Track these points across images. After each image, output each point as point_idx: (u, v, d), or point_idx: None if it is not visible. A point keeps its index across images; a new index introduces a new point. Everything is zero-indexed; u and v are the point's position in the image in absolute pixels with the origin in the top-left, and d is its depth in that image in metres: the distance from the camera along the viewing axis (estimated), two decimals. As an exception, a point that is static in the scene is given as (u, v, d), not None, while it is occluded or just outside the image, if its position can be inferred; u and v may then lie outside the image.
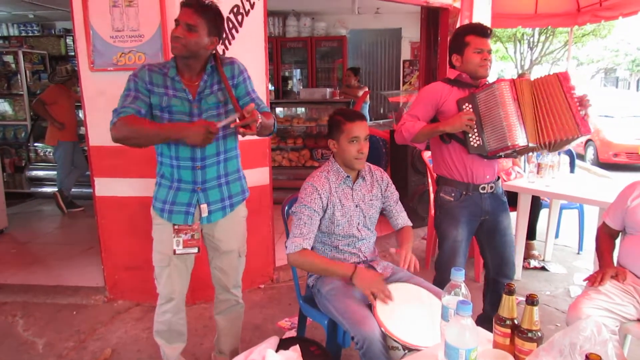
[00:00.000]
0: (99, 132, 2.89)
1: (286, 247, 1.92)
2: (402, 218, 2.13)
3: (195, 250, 1.97)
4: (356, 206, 2.02)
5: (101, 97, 2.83)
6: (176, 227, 1.94)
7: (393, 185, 2.14)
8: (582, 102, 2.05)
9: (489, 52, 2.17)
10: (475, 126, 2.11)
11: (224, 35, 2.86)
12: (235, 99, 1.87)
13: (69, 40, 7.30)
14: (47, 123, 5.34)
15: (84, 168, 5.16)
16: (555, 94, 2.07)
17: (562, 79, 2.07)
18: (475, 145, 2.15)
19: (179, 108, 1.86)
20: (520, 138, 2.06)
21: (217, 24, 1.84)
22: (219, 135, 1.90)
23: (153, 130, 1.78)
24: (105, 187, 2.95)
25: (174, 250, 1.95)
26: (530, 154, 3.05)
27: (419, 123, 2.19)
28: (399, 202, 2.15)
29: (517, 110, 2.06)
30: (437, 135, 2.22)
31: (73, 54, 7.06)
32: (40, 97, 5.07)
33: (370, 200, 2.06)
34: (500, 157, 2.21)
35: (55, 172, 5.42)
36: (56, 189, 5.30)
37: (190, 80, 1.88)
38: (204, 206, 1.95)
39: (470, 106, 2.12)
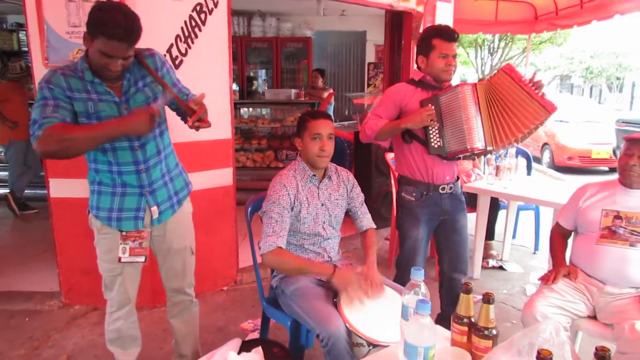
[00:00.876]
0: (54, 130, 2.79)
1: (260, 248, 1.89)
2: (366, 220, 2.16)
3: (142, 259, 1.90)
4: (322, 205, 2.03)
5: (56, 94, 2.72)
6: (124, 233, 1.86)
7: (359, 187, 2.17)
8: (536, 84, 2.09)
9: (454, 56, 2.21)
10: (436, 126, 2.15)
11: (187, 34, 2.82)
12: (168, 86, 1.78)
13: (22, 35, 6.97)
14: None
15: (38, 168, 4.96)
16: (510, 87, 2.10)
17: (509, 71, 2.12)
18: (436, 146, 2.20)
19: (108, 113, 1.72)
20: (479, 142, 2.11)
21: (139, 38, 1.69)
22: (155, 134, 1.85)
23: (90, 133, 1.62)
24: (61, 188, 2.84)
25: (119, 258, 1.87)
26: (490, 156, 3.14)
27: (381, 121, 2.23)
28: (364, 204, 2.18)
29: (477, 114, 2.12)
30: (399, 132, 2.26)
31: (26, 49, 6.77)
32: None
33: (336, 199, 2.08)
34: (459, 158, 2.27)
35: (6, 173, 5.18)
36: (7, 191, 5.06)
37: (111, 82, 1.73)
38: (154, 209, 1.89)
39: (432, 106, 2.16)
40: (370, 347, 1.58)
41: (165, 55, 2.70)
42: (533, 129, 2.10)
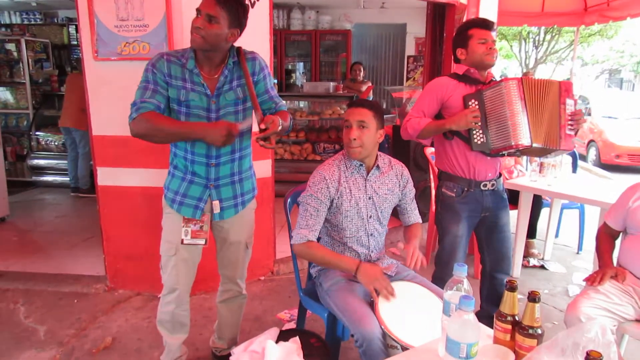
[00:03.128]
0: (102, 121, 2.90)
1: (291, 237, 1.90)
2: (414, 215, 2.10)
3: (202, 242, 1.97)
4: (369, 198, 1.96)
5: (105, 86, 2.83)
6: (186, 217, 1.94)
7: (412, 182, 2.08)
8: (575, 117, 2.08)
9: (494, 42, 2.18)
10: (479, 123, 2.11)
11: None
12: (256, 99, 1.82)
13: (71, 29, 7.27)
14: (50, 112, 5.37)
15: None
16: (553, 100, 2.09)
17: (563, 89, 2.09)
18: (479, 142, 2.15)
19: (197, 103, 1.82)
20: (525, 138, 2.06)
21: (238, 15, 1.78)
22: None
23: (173, 129, 1.75)
24: (108, 176, 2.95)
25: (182, 240, 1.95)
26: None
27: (423, 120, 2.19)
28: (414, 200, 2.11)
29: (523, 110, 2.06)
30: (442, 132, 2.23)
31: (75, 43, 7.05)
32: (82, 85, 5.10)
33: (385, 194, 1.99)
34: (502, 155, 2.22)
35: (56, 162, 5.53)
36: (81, 186, 5.41)
37: (209, 74, 1.84)
38: (216, 203, 1.95)
39: (476, 102, 2.12)
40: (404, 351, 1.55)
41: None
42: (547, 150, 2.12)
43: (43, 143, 5.87)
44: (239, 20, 1.79)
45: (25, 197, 5.56)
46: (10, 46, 6.07)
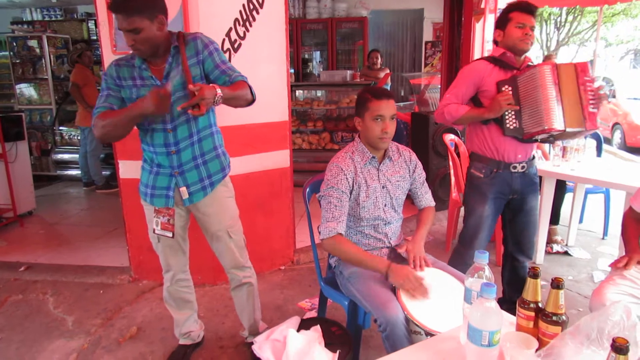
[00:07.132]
0: (122, 115, 2.93)
1: (319, 233, 1.88)
2: (425, 199, 2.11)
3: (170, 234, 2.02)
4: (382, 187, 1.97)
5: (124, 80, 2.85)
6: (156, 208, 2.00)
7: (421, 166, 2.10)
8: (597, 95, 2.06)
9: (532, 28, 2.17)
10: (513, 109, 2.12)
11: (245, 17, 2.85)
12: (190, 77, 1.83)
13: (90, 25, 7.37)
14: (72, 107, 5.47)
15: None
16: (573, 82, 2.07)
17: (579, 70, 2.09)
18: (512, 127, 2.16)
19: None
20: (558, 122, 2.05)
21: (150, 6, 1.75)
22: (188, 117, 1.89)
23: (118, 116, 1.80)
24: (129, 169, 2.99)
25: (153, 230, 2.03)
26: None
27: (462, 107, 2.20)
28: (425, 183, 2.12)
29: (557, 95, 2.06)
30: (479, 120, 2.24)
31: (95, 38, 7.13)
32: (73, 80, 5.14)
33: (397, 181, 2.01)
34: (536, 140, 2.22)
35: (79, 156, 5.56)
36: (97, 182, 5.50)
37: (157, 65, 1.88)
38: (183, 189, 1.98)
39: (509, 88, 2.12)
40: (428, 337, 1.55)
41: (224, 39, 2.76)
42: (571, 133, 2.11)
43: (66, 138, 6.00)
44: (155, 9, 1.76)
45: (50, 191, 5.70)
46: (33, 43, 6.17)
